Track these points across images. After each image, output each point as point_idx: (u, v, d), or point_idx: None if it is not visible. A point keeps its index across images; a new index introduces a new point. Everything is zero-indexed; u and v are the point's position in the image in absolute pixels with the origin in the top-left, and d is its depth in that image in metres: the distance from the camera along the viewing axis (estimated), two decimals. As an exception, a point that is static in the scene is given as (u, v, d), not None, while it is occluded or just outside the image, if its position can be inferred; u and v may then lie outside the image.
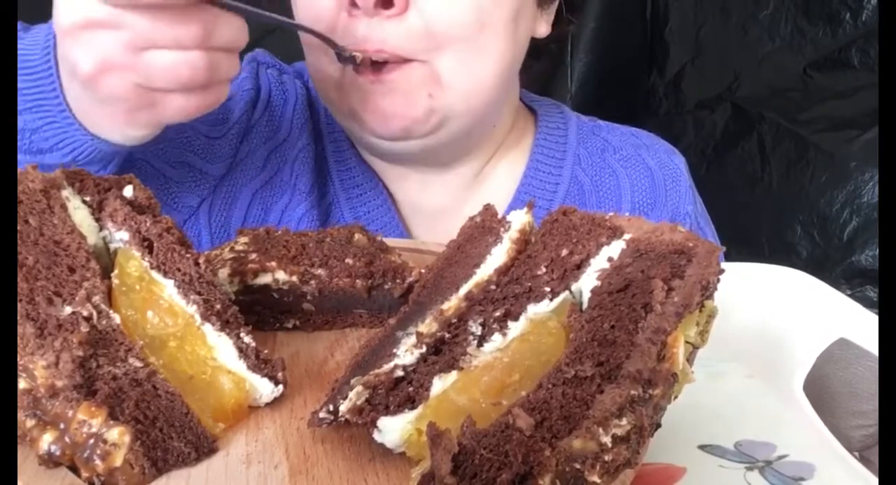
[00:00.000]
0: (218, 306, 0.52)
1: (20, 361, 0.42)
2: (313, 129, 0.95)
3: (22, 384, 0.42)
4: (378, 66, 0.77)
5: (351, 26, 0.76)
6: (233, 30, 0.60)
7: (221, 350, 0.50)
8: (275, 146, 0.92)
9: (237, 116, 0.89)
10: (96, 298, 0.47)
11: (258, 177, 0.91)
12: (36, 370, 0.42)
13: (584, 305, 0.47)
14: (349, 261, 0.61)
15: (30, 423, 0.42)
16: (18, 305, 0.44)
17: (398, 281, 0.61)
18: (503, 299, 0.50)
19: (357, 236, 0.65)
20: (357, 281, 0.60)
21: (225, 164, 0.90)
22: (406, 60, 0.77)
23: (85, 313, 0.46)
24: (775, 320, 0.69)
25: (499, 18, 0.78)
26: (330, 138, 0.95)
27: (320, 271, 0.61)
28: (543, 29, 0.90)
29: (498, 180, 0.98)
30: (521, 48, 0.86)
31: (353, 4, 0.74)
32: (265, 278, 0.60)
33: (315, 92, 0.95)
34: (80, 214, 0.53)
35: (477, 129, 0.89)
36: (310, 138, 0.93)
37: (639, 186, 0.98)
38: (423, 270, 0.61)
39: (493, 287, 0.51)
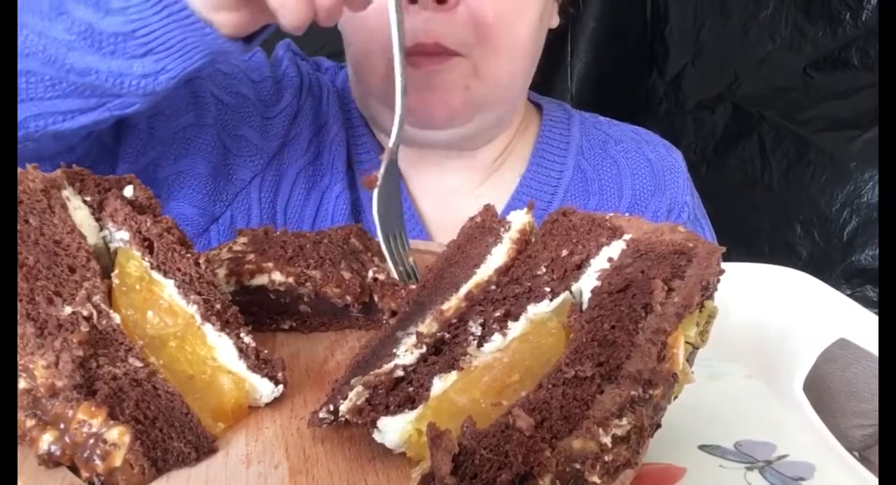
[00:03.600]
0: (218, 306, 0.52)
1: (20, 361, 0.42)
2: (343, 116, 1.01)
3: (22, 384, 0.42)
4: (430, 57, 0.84)
5: (408, 20, 0.81)
6: None
7: (221, 350, 0.50)
8: (317, 130, 0.99)
9: (288, 100, 0.96)
10: (96, 298, 0.47)
11: (303, 157, 0.97)
12: (36, 370, 0.42)
13: (585, 306, 0.47)
14: (345, 274, 0.61)
15: (30, 423, 0.42)
16: (19, 304, 0.44)
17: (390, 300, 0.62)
18: (503, 299, 0.50)
19: (352, 240, 0.65)
20: (347, 296, 0.60)
21: (278, 142, 0.96)
22: (453, 54, 0.84)
23: (85, 313, 0.46)
24: (775, 320, 0.69)
25: (532, 12, 0.86)
26: (345, 126, 1.01)
27: (315, 273, 0.61)
28: (556, 20, 0.97)
29: (507, 168, 1.03)
30: (543, 39, 0.94)
31: (412, 0, 0.81)
32: (261, 279, 0.60)
33: (339, 84, 1.03)
34: (80, 213, 0.53)
35: (504, 117, 0.96)
36: (342, 125, 1.00)
37: (639, 174, 1.03)
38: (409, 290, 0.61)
39: (493, 287, 0.51)
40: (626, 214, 0.53)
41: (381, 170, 0.65)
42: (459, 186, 1.01)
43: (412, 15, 0.82)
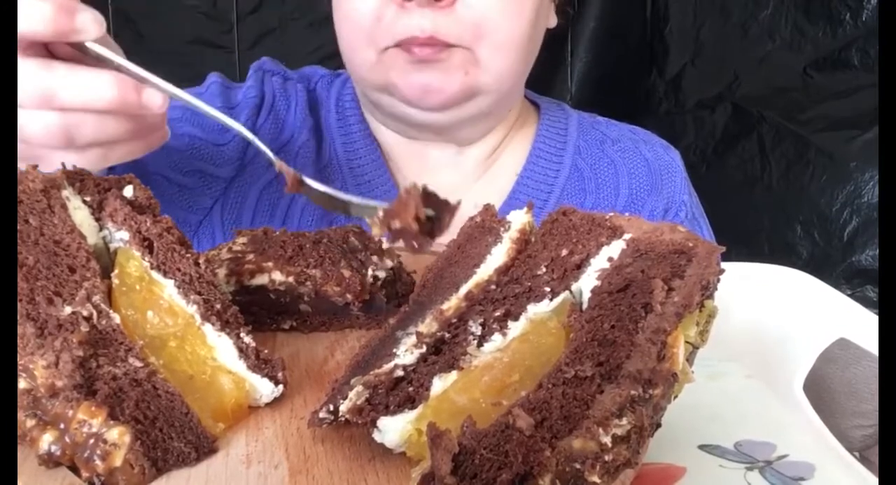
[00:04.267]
0: (218, 306, 0.52)
1: (20, 361, 0.42)
2: (314, 126, 1.01)
3: (22, 384, 0.42)
4: (426, 47, 0.85)
5: (402, 17, 0.83)
6: (91, 90, 0.57)
7: (221, 350, 0.50)
8: (280, 146, 1.00)
9: (242, 121, 0.96)
10: (96, 298, 0.47)
11: (265, 175, 0.98)
12: (36, 370, 0.42)
13: (585, 305, 0.47)
14: (345, 273, 0.61)
15: (30, 423, 0.42)
16: (19, 304, 0.44)
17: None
18: (503, 299, 0.50)
19: (352, 239, 0.65)
20: (347, 295, 0.60)
21: (233, 166, 0.97)
22: (451, 46, 0.85)
23: (85, 313, 0.46)
24: (775, 320, 0.69)
25: (530, 9, 0.88)
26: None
27: (315, 272, 0.61)
28: (553, 20, 0.98)
29: (503, 166, 1.03)
30: (541, 37, 0.96)
31: None
32: (262, 279, 0.60)
33: (318, 94, 1.05)
34: (80, 213, 0.53)
35: (498, 108, 0.97)
36: (310, 134, 1.00)
37: (636, 174, 1.04)
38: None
39: (493, 287, 0.51)
40: (626, 214, 0.53)
41: (314, 182, 0.62)
42: (454, 185, 1.01)
43: (406, 12, 0.82)
